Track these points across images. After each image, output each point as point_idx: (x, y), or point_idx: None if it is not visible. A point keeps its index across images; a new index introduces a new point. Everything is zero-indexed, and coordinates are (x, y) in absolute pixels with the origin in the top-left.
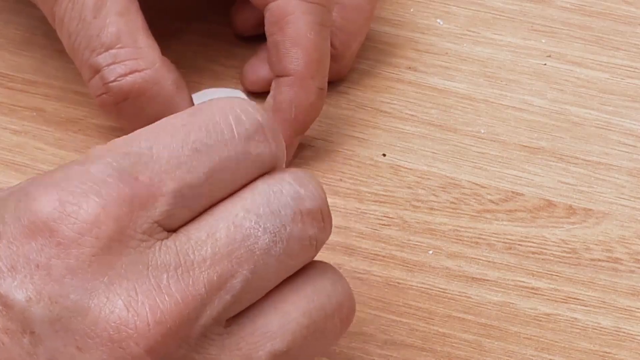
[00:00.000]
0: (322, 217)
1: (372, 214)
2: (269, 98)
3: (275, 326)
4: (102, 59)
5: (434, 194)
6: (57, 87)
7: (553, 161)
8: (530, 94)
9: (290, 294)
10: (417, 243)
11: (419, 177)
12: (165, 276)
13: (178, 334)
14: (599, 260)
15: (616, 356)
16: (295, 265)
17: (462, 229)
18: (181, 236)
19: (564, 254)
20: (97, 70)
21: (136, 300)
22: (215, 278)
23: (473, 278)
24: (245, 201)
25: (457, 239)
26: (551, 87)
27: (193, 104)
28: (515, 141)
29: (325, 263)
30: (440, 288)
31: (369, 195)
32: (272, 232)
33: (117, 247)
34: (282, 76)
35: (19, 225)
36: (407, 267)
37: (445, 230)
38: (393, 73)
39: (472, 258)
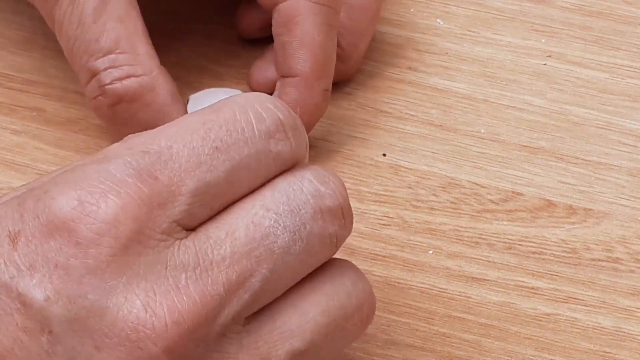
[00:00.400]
0: (342, 215)
1: (372, 214)
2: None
3: (294, 325)
4: (100, 63)
5: (434, 194)
6: (57, 87)
7: (553, 161)
8: (530, 94)
9: (309, 292)
10: (417, 243)
11: (419, 177)
12: (183, 276)
13: (196, 334)
14: (599, 260)
15: (616, 356)
16: (315, 263)
17: (462, 229)
18: (200, 235)
19: (564, 254)
20: (94, 74)
21: (154, 300)
22: (234, 277)
23: (473, 278)
24: (265, 199)
25: (457, 239)
26: (551, 87)
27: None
28: (515, 141)
29: (346, 261)
30: (441, 288)
31: (369, 195)
32: (291, 230)
33: (135, 247)
34: (288, 77)
35: (37, 223)
36: (407, 267)
37: (445, 230)
38: (393, 73)
39: (472, 258)
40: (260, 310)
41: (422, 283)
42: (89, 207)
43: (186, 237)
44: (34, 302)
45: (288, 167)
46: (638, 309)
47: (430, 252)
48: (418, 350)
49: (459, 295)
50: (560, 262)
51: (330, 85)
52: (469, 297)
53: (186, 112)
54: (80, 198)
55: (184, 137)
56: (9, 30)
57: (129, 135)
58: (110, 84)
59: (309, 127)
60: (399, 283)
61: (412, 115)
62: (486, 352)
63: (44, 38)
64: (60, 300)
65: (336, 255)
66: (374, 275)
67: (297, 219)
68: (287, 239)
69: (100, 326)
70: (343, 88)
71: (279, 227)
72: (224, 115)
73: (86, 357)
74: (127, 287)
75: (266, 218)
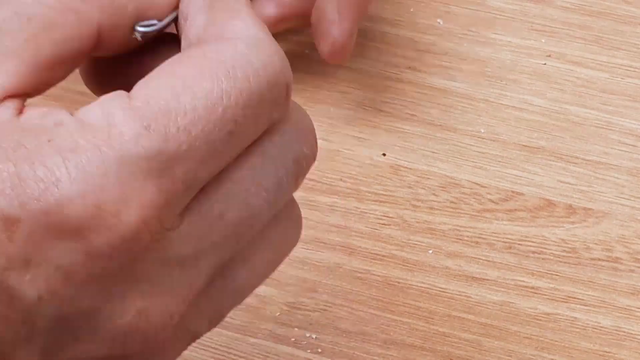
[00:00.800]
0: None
1: (372, 214)
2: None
3: (242, 281)
4: None
5: (434, 194)
6: (57, 86)
7: (553, 161)
8: (530, 94)
9: (260, 246)
10: (417, 243)
11: (419, 176)
12: (177, 271)
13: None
14: (599, 259)
15: (616, 355)
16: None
17: (462, 229)
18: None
19: (564, 254)
20: None
21: (150, 302)
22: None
23: (473, 277)
24: (255, 171)
25: (457, 239)
26: (551, 87)
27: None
28: (515, 141)
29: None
30: (440, 287)
31: (369, 195)
32: (271, 202)
33: (143, 256)
34: None
35: (44, 220)
36: (407, 266)
37: (445, 230)
38: (393, 73)
39: (472, 258)
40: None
41: (422, 283)
42: (110, 220)
43: (180, 224)
44: (24, 298)
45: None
46: (637, 308)
47: (430, 251)
48: (418, 349)
49: (459, 295)
50: (560, 261)
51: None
52: (469, 297)
53: None
54: (101, 206)
55: (201, 114)
56: None
57: (136, 88)
58: None
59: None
60: (398, 283)
61: (412, 115)
62: (486, 351)
63: None
64: (54, 302)
65: (336, 255)
66: (374, 275)
67: (279, 193)
68: (267, 212)
69: (88, 325)
70: (343, 88)
71: (266, 206)
72: (239, 85)
73: (63, 347)
74: (125, 293)
75: (255, 196)
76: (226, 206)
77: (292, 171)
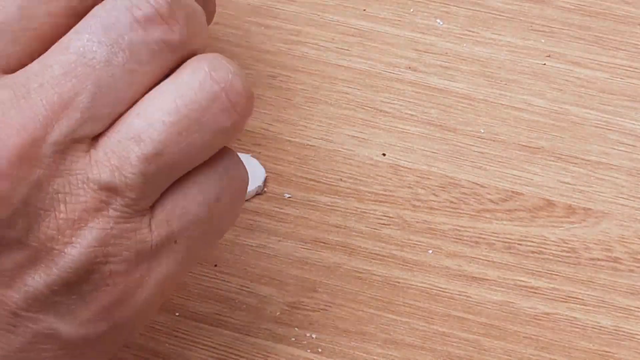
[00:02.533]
0: (162, 19)
1: (372, 214)
2: None
3: (140, 130)
4: None
5: (433, 194)
6: None
7: (552, 161)
8: (530, 94)
9: (153, 97)
10: (417, 242)
11: (418, 176)
12: (3, 108)
13: (25, 156)
14: (599, 259)
15: (615, 355)
16: (153, 71)
17: (462, 229)
18: (18, 72)
19: (564, 254)
20: None
21: None
22: (55, 98)
23: (473, 277)
24: (76, 26)
25: (456, 239)
26: (551, 87)
27: None
28: (515, 141)
29: (203, 57)
30: (440, 287)
31: (369, 195)
32: (107, 44)
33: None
34: None
35: None
36: (407, 266)
37: (445, 230)
38: (393, 73)
39: (472, 257)
40: (108, 128)
41: (422, 282)
42: None
43: (3, 76)
44: None
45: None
46: (637, 308)
47: (430, 251)
48: (417, 349)
49: (459, 295)
50: (560, 261)
51: None
52: (469, 297)
53: None
54: None
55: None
56: None
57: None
58: None
59: None
60: (398, 282)
61: (412, 115)
62: (485, 351)
63: None
64: None
65: (336, 255)
66: (374, 274)
67: (112, 33)
68: (105, 52)
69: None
70: (343, 88)
71: (94, 44)
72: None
73: None
74: None
75: (77, 40)
76: (47, 56)
77: (125, 16)
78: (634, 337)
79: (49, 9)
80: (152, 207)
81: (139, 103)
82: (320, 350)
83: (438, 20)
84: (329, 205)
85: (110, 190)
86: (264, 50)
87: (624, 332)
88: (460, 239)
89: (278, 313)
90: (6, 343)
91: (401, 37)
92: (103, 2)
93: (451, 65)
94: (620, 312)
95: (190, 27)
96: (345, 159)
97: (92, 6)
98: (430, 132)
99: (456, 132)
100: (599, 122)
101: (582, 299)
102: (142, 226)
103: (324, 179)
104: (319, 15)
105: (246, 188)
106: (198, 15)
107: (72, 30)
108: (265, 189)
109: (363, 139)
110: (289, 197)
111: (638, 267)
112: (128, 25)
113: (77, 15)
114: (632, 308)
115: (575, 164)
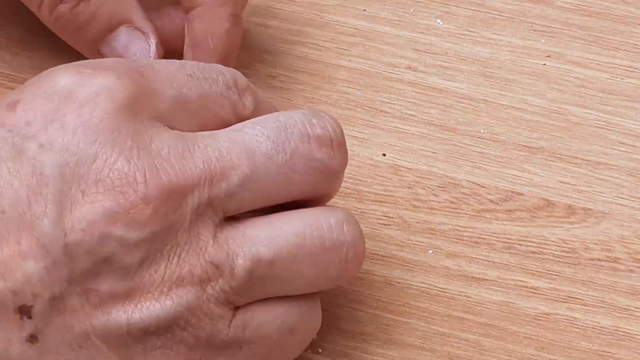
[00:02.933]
0: (331, 145)
1: (372, 214)
2: (185, 38)
3: (264, 235)
4: None
5: (433, 194)
6: None
7: (552, 161)
8: (530, 94)
9: (289, 215)
10: (417, 243)
11: (418, 177)
12: (167, 150)
13: (172, 197)
14: (599, 259)
15: (615, 355)
16: (300, 184)
17: (462, 229)
18: (189, 132)
19: (564, 254)
20: None
21: (138, 156)
22: (214, 161)
23: (473, 278)
24: (255, 119)
25: (457, 239)
26: (551, 87)
27: (141, 8)
28: (515, 141)
29: (339, 207)
30: (440, 288)
31: (369, 195)
32: (274, 141)
33: (126, 115)
34: (191, 10)
35: (37, 90)
36: (407, 266)
37: (445, 230)
38: (393, 73)
39: (472, 258)
40: (237, 216)
41: (422, 283)
42: (89, 76)
43: (169, 131)
44: (29, 150)
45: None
46: (637, 308)
47: (430, 251)
48: (418, 349)
49: (459, 295)
50: (560, 261)
51: (239, 10)
52: (469, 297)
53: (137, 3)
54: (80, 70)
55: (161, 63)
56: (9, 30)
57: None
58: None
59: (228, 56)
60: (398, 282)
61: (412, 115)
62: (485, 351)
63: (44, 38)
64: (54, 148)
65: None
66: (374, 275)
67: (283, 134)
68: (269, 147)
69: (88, 172)
70: (343, 88)
71: (263, 136)
72: (190, 63)
73: (72, 201)
74: (115, 142)
75: (251, 128)
76: (217, 132)
77: (299, 127)
78: (634, 337)
79: (216, 112)
80: (238, 308)
81: (276, 215)
82: (320, 350)
83: (438, 20)
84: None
85: (218, 269)
86: (264, 50)
87: (624, 332)
88: (460, 239)
89: None
90: (63, 355)
91: (401, 37)
92: (283, 112)
93: (451, 65)
94: (620, 312)
95: (344, 162)
96: None
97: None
98: (430, 132)
99: (456, 132)
100: (599, 122)
101: (582, 299)
102: (225, 317)
103: None
104: (319, 15)
105: (315, 333)
106: (347, 157)
107: (249, 120)
108: None
109: (363, 139)
110: None
111: (638, 267)
112: (299, 135)
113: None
114: (632, 308)
115: (575, 164)
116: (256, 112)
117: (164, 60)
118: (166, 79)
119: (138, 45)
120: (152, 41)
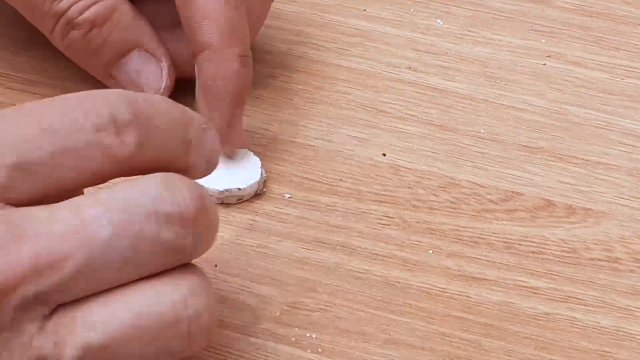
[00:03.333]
0: (182, 223)
1: (372, 214)
2: (196, 80)
3: (98, 319)
4: (64, 3)
5: (433, 194)
6: (57, 87)
7: (553, 161)
8: (530, 94)
9: (128, 293)
10: (417, 243)
11: (419, 177)
12: None
13: None
14: (599, 259)
15: (616, 355)
16: (146, 267)
17: (462, 229)
18: (22, 210)
19: (564, 254)
20: (60, 15)
21: None
22: (44, 254)
23: (473, 278)
24: (100, 193)
25: (457, 239)
26: (551, 87)
27: (153, 32)
28: (515, 141)
29: (191, 269)
30: (440, 287)
31: (369, 195)
32: (117, 225)
33: None
34: (199, 52)
35: None
36: (407, 266)
37: (445, 230)
38: (393, 73)
39: (472, 258)
40: (73, 301)
41: (422, 283)
42: None
43: (3, 208)
44: None
45: (127, 169)
46: (637, 308)
47: (430, 251)
48: (418, 349)
49: (459, 295)
50: (560, 261)
51: (248, 50)
52: (469, 297)
53: (151, 28)
54: None
55: (16, 117)
56: (9, 30)
57: None
58: (79, 15)
59: (240, 98)
60: (398, 282)
61: (412, 115)
62: (486, 351)
63: (44, 38)
64: None
65: (336, 255)
66: (374, 274)
67: (127, 216)
68: (110, 232)
69: None
70: (343, 88)
71: (104, 219)
72: (56, 103)
73: None
74: None
75: (93, 208)
76: (56, 208)
77: (147, 205)
78: (634, 337)
79: (78, 166)
80: None
81: (115, 292)
82: (320, 350)
83: (438, 20)
84: (329, 206)
85: None
86: (264, 50)
87: (624, 332)
88: (460, 239)
89: (278, 313)
90: None
91: (401, 37)
92: (135, 179)
93: (451, 65)
94: (620, 312)
95: (205, 240)
96: (345, 159)
97: (119, 176)
98: (430, 132)
99: (456, 132)
100: (599, 122)
101: (582, 299)
102: None
103: (324, 179)
104: (319, 15)
105: None
106: (214, 227)
107: (94, 193)
108: (265, 189)
109: (363, 139)
110: (289, 197)
111: (638, 267)
112: (146, 215)
113: (104, 180)
114: (632, 308)
115: (576, 164)
116: (144, 146)
117: (25, 108)
118: (9, 144)
119: (150, 69)
120: (164, 65)
